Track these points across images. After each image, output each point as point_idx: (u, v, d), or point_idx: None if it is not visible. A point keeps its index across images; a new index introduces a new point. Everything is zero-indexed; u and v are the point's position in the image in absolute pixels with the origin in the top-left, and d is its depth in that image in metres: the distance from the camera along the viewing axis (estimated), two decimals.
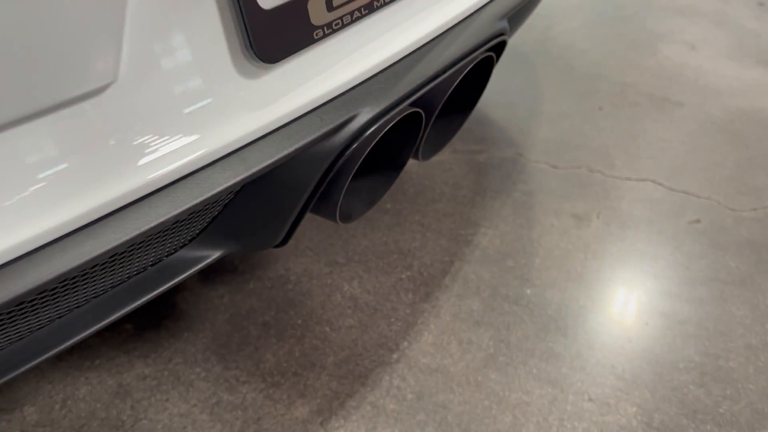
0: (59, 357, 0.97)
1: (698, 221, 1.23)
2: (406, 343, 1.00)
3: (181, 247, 0.64)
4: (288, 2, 0.54)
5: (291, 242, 1.09)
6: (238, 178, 0.54)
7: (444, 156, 1.40)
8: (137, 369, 0.95)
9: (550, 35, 1.90)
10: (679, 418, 0.89)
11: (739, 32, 1.92)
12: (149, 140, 0.50)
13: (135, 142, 0.50)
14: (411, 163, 1.30)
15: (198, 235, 0.65)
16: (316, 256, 1.15)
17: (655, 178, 1.34)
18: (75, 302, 0.56)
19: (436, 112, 0.73)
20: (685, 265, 1.14)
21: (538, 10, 1.93)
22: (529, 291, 1.09)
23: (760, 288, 1.09)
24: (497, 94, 1.61)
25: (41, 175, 0.45)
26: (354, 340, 1.00)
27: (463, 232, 1.20)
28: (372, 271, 1.12)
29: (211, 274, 1.10)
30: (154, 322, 1.02)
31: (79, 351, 0.97)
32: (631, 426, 0.88)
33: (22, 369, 0.56)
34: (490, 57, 0.79)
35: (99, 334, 0.97)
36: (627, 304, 1.07)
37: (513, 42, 1.80)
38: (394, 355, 0.98)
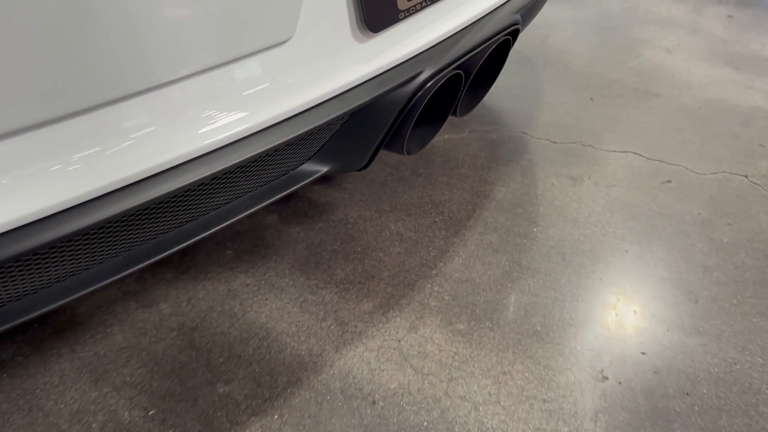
0: (180, 271, 1.27)
1: (669, 181, 1.55)
2: (441, 264, 1.31)
3: (306, 161, 0.95)
4: None
5: (347, 195, 1.42)
6: (349, 109, 0.86)
7: (464, 134, 1.72)
8: (240, 279, 1.26)
9: (549, 42, 2.24)
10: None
11: (710, 39, 2.26)
12: (302, 78, 0.82)
13: (296, 79, 0.81)
14: (438, 139, 1.62)
15: (315, 154, 0.96)
16: (367, 206, 1.46)
17: (635, 150, 1.66)
18: (250, 185, 0.88)
19: (472, 75, 1.05)
20: (657, 211, 1.45)
21: (539, 22, 2.28)
22: (535, 229, 1.40)
23: (716, 228, 1.40)
24: (506, 89, 1.94)
25: (249, 92, 0.77)
26: (402, 261, 1.31)
27: (482, 189, 1.52)
28: (412, 216, 1.43)
29: (289, 217, 1.42)
30: (249, 249, 1.33)
31: (195, 268, 1.28)
32: (611, 317, 1.19)
33: (202, 236, 0.87)
34: (508, 40, 1.12)
35: (207, 255, 1.29)
36: (611, 237, 1.38)
37: (518, 48, 2.14)
38: (433, 271, 1.29)
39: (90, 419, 1.00)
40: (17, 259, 0.63)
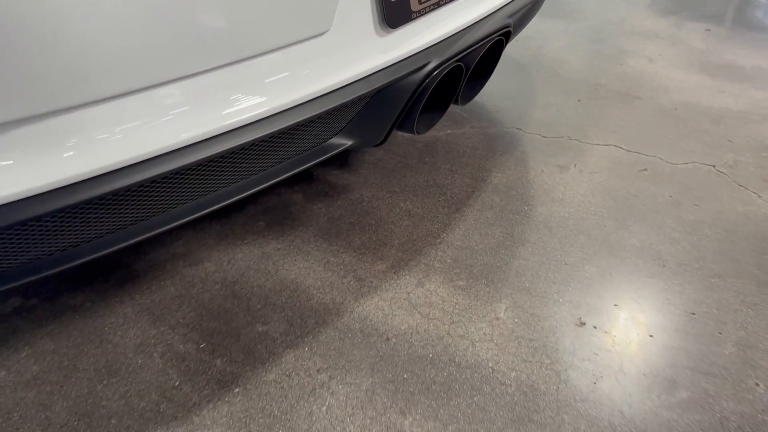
0: (220, 237, 1.48)
1: (646, 170, 1.76)
2: (444, 234, 1.51)
3: (334, 136, 1.17)
4: None
5: (361, 178, 1.63)
6: (371, 89, 1.07)
7: (465, 129, 1.93)
8: (272, 245, 1.47)
9: (543, 51, 2.47)
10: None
11: (689, 50, 2.49)
12: (336, 63, 1.04)
13: (331, 63, 1.03)
14: (441, 133, 1.84)
15: (341, 130, 1.18)
16: (380, 187, 1.67)
17: (616, 143, 1.87)
18: (296, 150, 1.09)
19: (471, 68, 1.27)
20: (633, 194, 1.66)
21: (534, 34, 2.51)
22: (526, 207, 1.61)
23: (685, 208, 1.61)
24: (503, 91, 2.16)
25: (297, 71, 0.98)
26: (410, 232, 1.52)
27: (480, 174, 1.73)
28: (419, 196, 1.64)
29: (312, 196, 1.63)
30: (278, 221, 1.54)
31: (232, 235, 1.49)
32: (589, 277, 1.39)
33: (264, 186, 1.08)
34: (501, 40, 1.34)
35: (243, 225, 1.50)
36: (591, 215, 1.59)
37: (515, 56, 2.37)
38: (437, 240, 1.49)
39: (151, 350, 1.20)
40: (102, 198, 0.83)
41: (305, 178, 1.69)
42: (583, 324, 1.27)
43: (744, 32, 2.68)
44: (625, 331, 1.25)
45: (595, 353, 1.20)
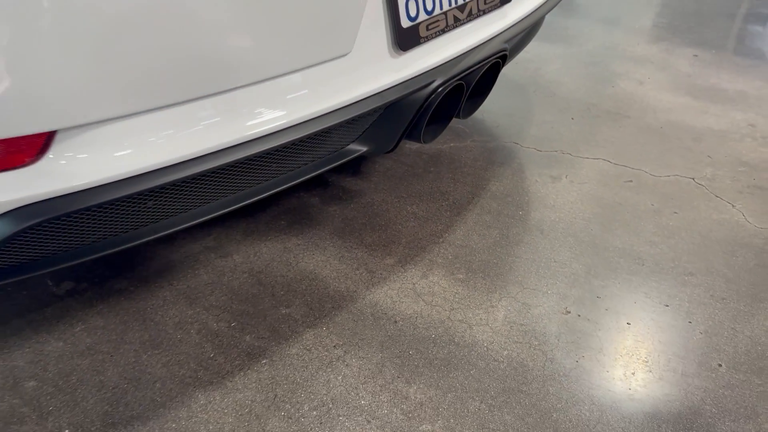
0: (246, 234, 1.66)
1: (631, 181, 1.94)
2: (446, 234, 1.69)
3: (351, 142, 1.35)
4: (411, 26, 1.28)
5: (371, 185, 1.81)
6: (385, 102, 1.25)
7: (466, 143, 2.12)
8: (293, 241, 1.65)
9: (539, 73, 2.66)
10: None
11: (677, 74, 2.68)
12: (355, 79, 1.22)
13: (351, 79, 1.22)
14: (445, 146, 2.02)
15: (358, 137, 1.36)
16: (389, 193, 1.85)
17: (605, 157, 2.05)
18: (320, 153, 1.27)
19: (471, 86, 1.46)
20: (618, 202, 1.84)
21: (532, 57, 2.71)
22: (520, 212, 1.79)
23: (664, 215, 1.78)
24: (502, 108, 2.35)
25: (323, 86, 1.17)
26: (416, 232, 1.70)
27: (480, 183, 1.91)
28: (424, 201, 1.82)
29: (327, 200, 1.81)
30: (298, 221, 1.72)
31: (257, 233, 1.67)
32: (575, 274, 1.57)
33: (274, 191, 1.26)
34: (498, 62, 1.53)
35: (266, 224, 1.68)
36: (580, 220, 1.76)
37: (513, 77, 2.56)
38: (440, 239, 1.67)
39: (189, 327, 1.38)
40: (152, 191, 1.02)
41: (322, 183, 1.88)
42: (568, 312, 1.44)
43: (730, 58, 2.87)
44: (606, 319, 1.42)
45: (578, 337, 1.37)
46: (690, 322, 1.41)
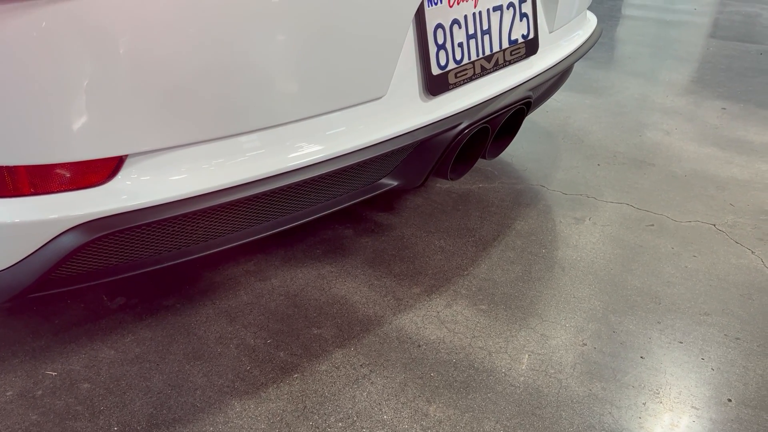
0: (284, 260, 1.79)
1: (652, 225, 2.02)
2: (471, 268, 1.79)
3: (383, 177, 1.48)
4: (440, 74, 1.41)
5: (402, 219, 1.93)
6: (414, 141, 1.38)
7: (494, 184, 2.23)
8: (326, 268, 1.76)
9: (569, 122, 2.77)
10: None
11: (703, 126, 2.76)
12: (389, 119, 1.36)
13: (385, 119, 1.35)
14: (474, 186, 2.14)
15: (390, 172, 1.49)
16: (418, 227, 1.97)
17: (629, 202, 2.14)
18: (355, 185, 1.40)
19: (496, 130, 1.58)
20: (639, 245, 1.92)
21: (562, 106, 2.83)
22: (543, 250, 1.88)
23: (683, 258, 1.85)
24: (530, 153, 2.47)
25: (360, 125, 1.30)
26: (442, 264, 1.80)
27: (506, 222, 2.02)
28: (451, 236, 1.93)
29: (360, 232, 1.93)
30: (332, 250, 1.85)
31: (294, 259, 1.80)
32: (593, 310, 1.64)
33: (313, 217, 1.39)
34: (523, 108, 1.65)
35: (303, 252, 1.80)
36: (601, 260, 1.84)
37: (542, 125, 2.68)
38: (465, 272, 1.77)
39: (228, 342, 1.50)
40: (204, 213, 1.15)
41: (355, 217, 2.00)
42: (584, 344, 1.51)
43: (757, 111, 2.94)
44: (620, 352, 1.49)
45: (593, 368, 1.44)
46: (703, 359, 1.47)
